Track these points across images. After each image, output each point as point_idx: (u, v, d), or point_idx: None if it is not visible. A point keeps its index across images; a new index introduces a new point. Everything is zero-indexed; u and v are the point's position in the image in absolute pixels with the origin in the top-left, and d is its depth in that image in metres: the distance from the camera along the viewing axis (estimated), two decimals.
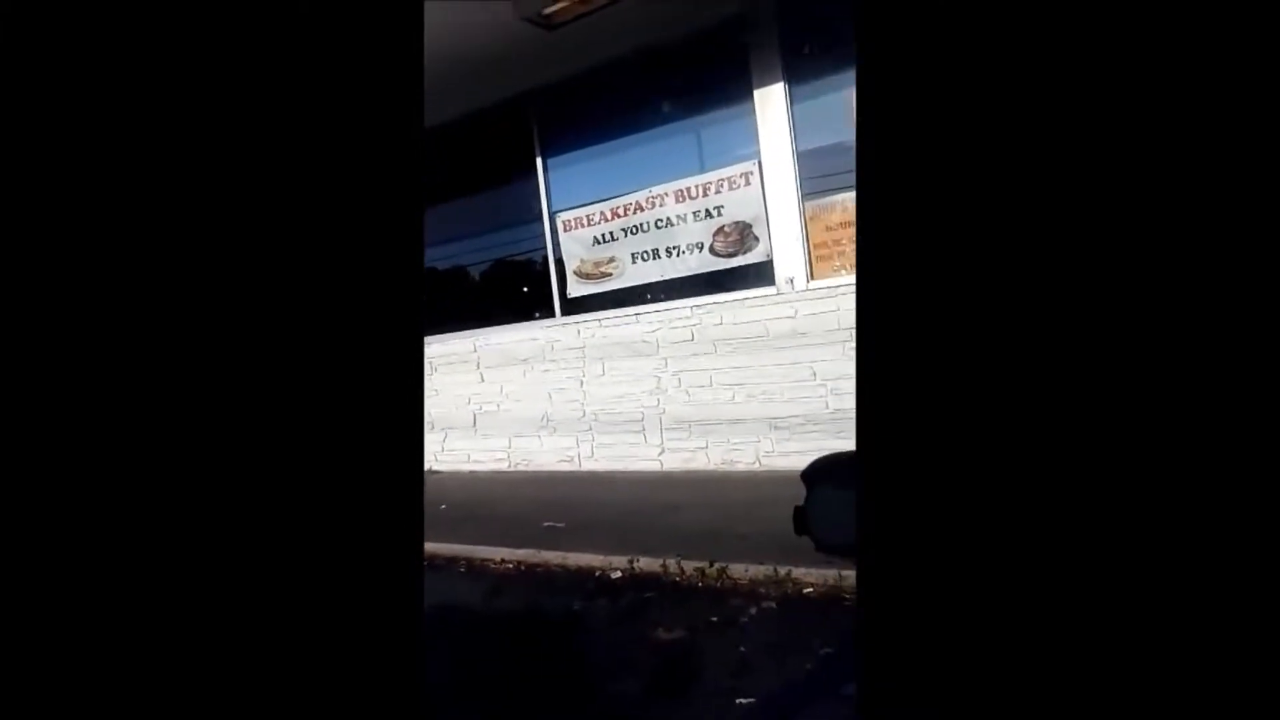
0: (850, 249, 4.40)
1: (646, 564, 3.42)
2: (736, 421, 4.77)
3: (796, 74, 4.46)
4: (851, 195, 4.37)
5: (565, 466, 5.42)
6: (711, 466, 4.87)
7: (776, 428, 4.62)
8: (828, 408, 4.43)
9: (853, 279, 4.33)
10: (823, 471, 0.77)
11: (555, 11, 4.29)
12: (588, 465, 5.35)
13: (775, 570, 3.07)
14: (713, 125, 4.94)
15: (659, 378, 5.04)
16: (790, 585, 3.02)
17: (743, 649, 2.59)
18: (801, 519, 0.75)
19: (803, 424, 4.52)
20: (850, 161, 4.35)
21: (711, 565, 3.24)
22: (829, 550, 0.75)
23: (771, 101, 4.54)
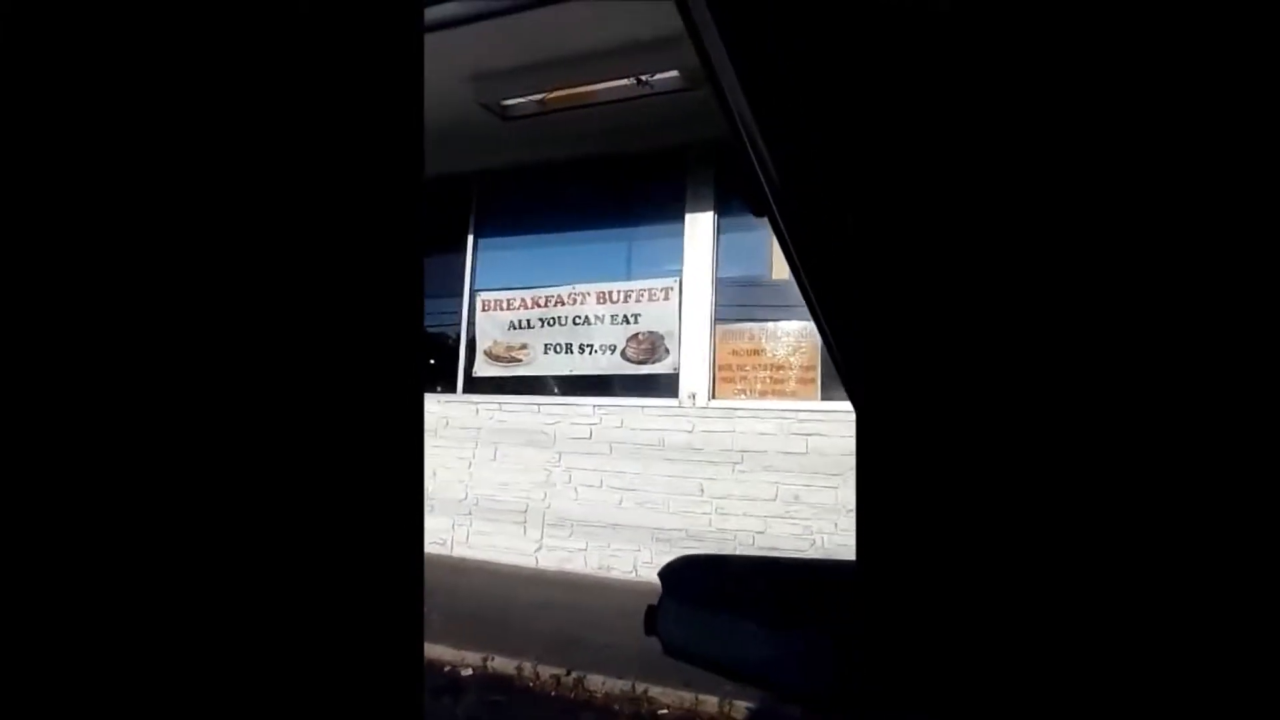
0: (753, 376, 4.60)
1: (501, 664, 3.23)
2: (619, 527, 4.71)
3: (727, 207, 4.79)
4: (759, 326, 4.62)
5: (436, 549, 5.15)
6: (588, 570, 4.75)
7: (658, 539, 4.59)
8: (711, 525, 4.47)
9: (751, 404, 4.50)
10: (680, 573, 0.77)
11: (513, 105, 4.49)
12: (460, 551, 5.10)
13: (633, 687, 2.97)
14: (643, 238, 5.18)
15: (550, 471, 4.96)
16: (646, 704, 2.92)
17: None
18: (652, 619, 0.72)
19: (685, 538, 4.51)
20: (764, 297, 4.63)
21: (569, 674, 3.10)
22: (675, 655, 0.73)
23: (700, 227, 4.83)
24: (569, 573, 4.76)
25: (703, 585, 0.78)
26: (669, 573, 0.77)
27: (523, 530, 4.98)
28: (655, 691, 2.93)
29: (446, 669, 3.25)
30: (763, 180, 0.41)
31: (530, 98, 4.41)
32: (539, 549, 4.92)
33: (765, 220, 0.46)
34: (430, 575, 4.03)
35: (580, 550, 4.80)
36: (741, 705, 2.78)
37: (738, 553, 4.29)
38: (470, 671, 3.23)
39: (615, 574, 4.67)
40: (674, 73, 4.03)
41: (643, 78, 4.10)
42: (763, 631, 0.70)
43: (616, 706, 2.93)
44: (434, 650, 3.36)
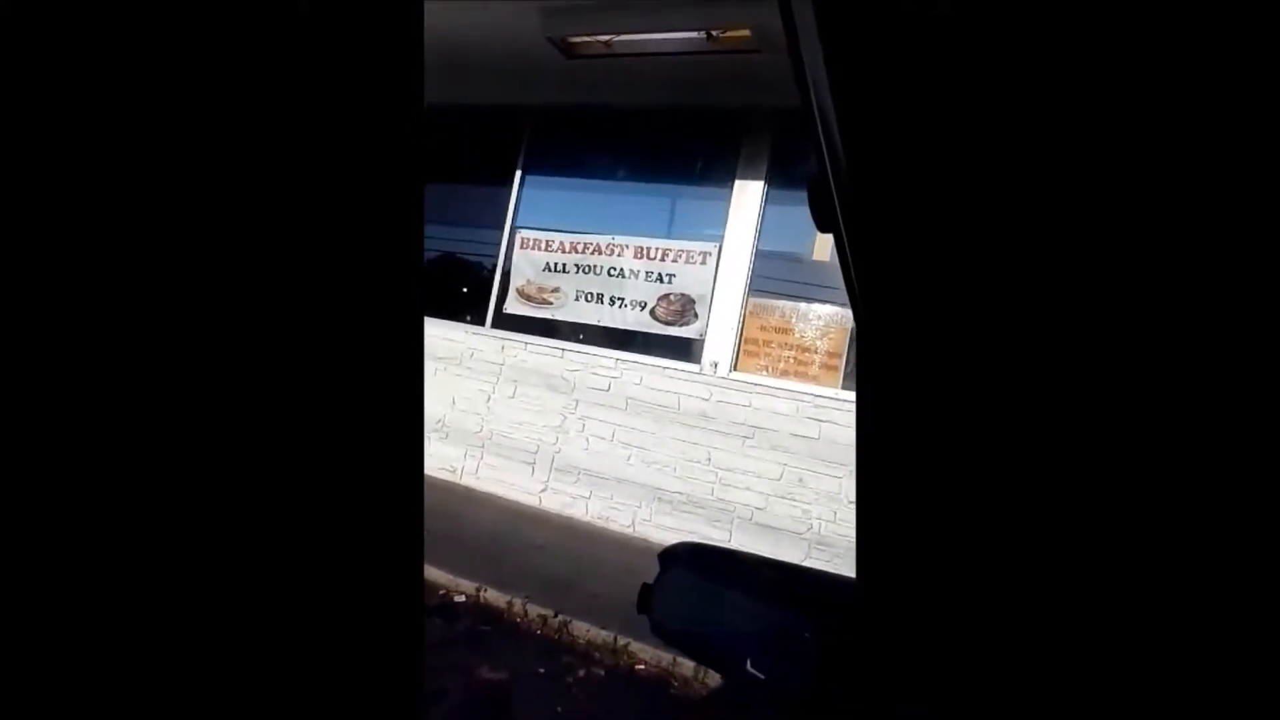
0: (777, 354, 4.56)
1: (493, 596, 3.33)
2: (624, 481, 4.77)
3: (778, 180, 4.68)
4: (791, 305, 4.56)
5: (445, 475, 5.26)
6: (587, 518, 4.83)
7: (659, 499, 4.65)
8: (712, 494, 4.50)
9: (771, 382, 4.48)
10: (680, 558, 0.77)
11: (579, 43, 4.39)
12: (468, 481, 5.22)
13: (615, 639, 3.05)
14: (688, 198, 5.10)
15: (565, 417, 5.02)
16: (625, 657, 3.00)
17: (559, 709, 2.54)
18: (646, 597, 0.73)
19: (685, 503, 4.56)
20: (801, 275, 4.56)
21: (555, 616, 3.19)
22: (664, 636, 0.74)
23: (748, 195, 4.74)
24: (570, 518, 4.85)
25: (702, 573, 0.79)
26: (669, 555, 0.77)
27: (531, 470, 5.06)
28: (635, 647, 3.01)
29: (441, 592, 3.36)
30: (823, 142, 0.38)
31: (598, 37, 4.31)
32: (544, 490, 5.01)
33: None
34: (438, 501, 4.14)
35: (584, 498, 4.88)
36: (716, 673, 2.84)
37: (735, 529, 4.34)
38: (463, 599, 3.33)
39: (614, 526, 4.75)
40: (745, 31, 3.90)
41: (713, 32, 3.98)
42: (757, 626, 0.70)
43: (597, 654, 3.01)
44: (432, 574, 3.47)
